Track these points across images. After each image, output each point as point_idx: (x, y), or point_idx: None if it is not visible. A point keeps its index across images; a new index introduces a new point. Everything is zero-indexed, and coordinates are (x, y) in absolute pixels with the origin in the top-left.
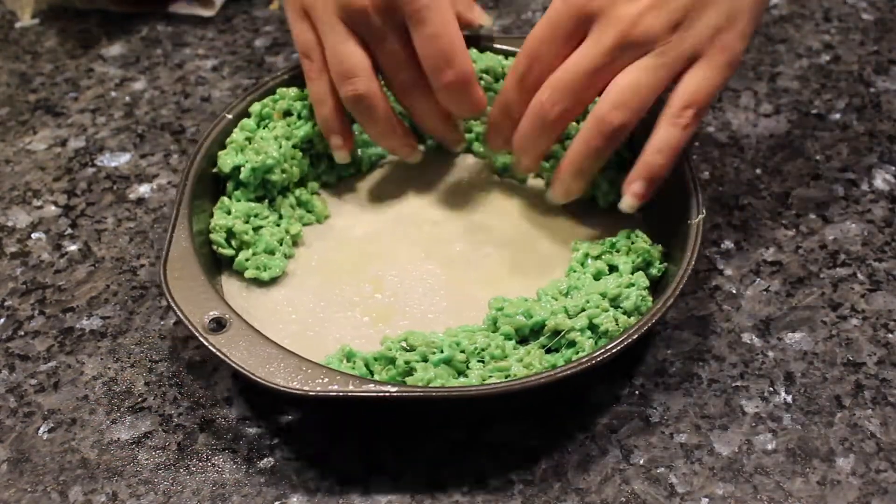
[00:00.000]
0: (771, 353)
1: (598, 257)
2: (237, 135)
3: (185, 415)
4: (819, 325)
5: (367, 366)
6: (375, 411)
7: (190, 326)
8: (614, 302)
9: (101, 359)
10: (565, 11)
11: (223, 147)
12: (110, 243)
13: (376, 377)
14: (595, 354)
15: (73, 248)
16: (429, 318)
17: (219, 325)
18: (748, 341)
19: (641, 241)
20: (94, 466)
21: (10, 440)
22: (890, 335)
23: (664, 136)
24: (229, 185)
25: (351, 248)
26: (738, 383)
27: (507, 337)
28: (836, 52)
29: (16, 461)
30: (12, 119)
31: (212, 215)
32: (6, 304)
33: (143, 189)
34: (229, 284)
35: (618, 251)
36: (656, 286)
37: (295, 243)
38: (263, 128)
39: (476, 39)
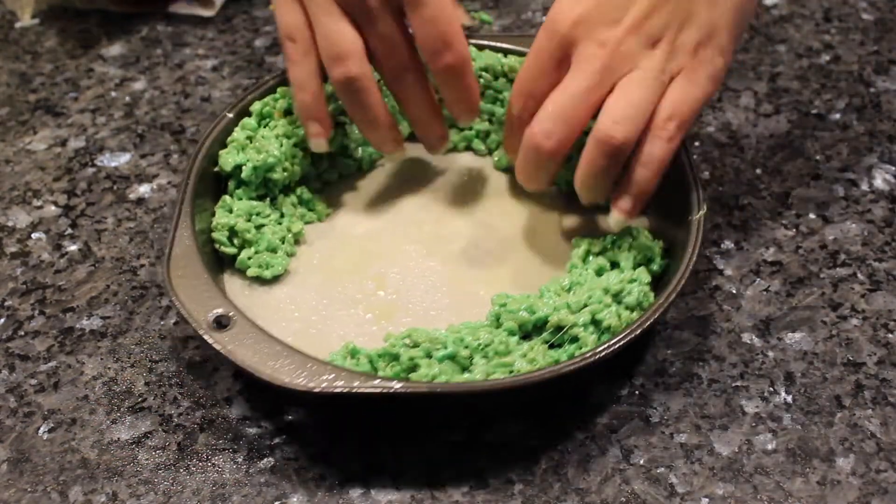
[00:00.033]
0: (771, 353)
1: (599, 254)
2: (238, 134)
3: (185, 415)
4: (819, 325)
5: (370, 363)
6: (378, 409)
7: (194, 325)
8: (616, 297)
9: (101, 359)
10: (547, 44)
11: (224, 146)
12: (110, 243)
13: (380, 374)
14: (598, 349)
15: (73, 248)
16: (431, 315)
17: (222, 323)
18: (748, 341)
19: (643, 237)
20: (94, 466)
21: (10, 440)
22: (890, 335)
23: (648, 150)
24: (231, 184)
25: (352, 246)
26: (738, 383)
27: (511, 333)
28: (836, 52)
29: (16, 461)
30: (12, 119)
31: (213, 214)
32: (6, 304)
33: (143, 189)
34: (231, 283)
35: (619, 247)
36: (657, 283)
37: (297, 242)
38: (264, 127)
39: (471, 37)
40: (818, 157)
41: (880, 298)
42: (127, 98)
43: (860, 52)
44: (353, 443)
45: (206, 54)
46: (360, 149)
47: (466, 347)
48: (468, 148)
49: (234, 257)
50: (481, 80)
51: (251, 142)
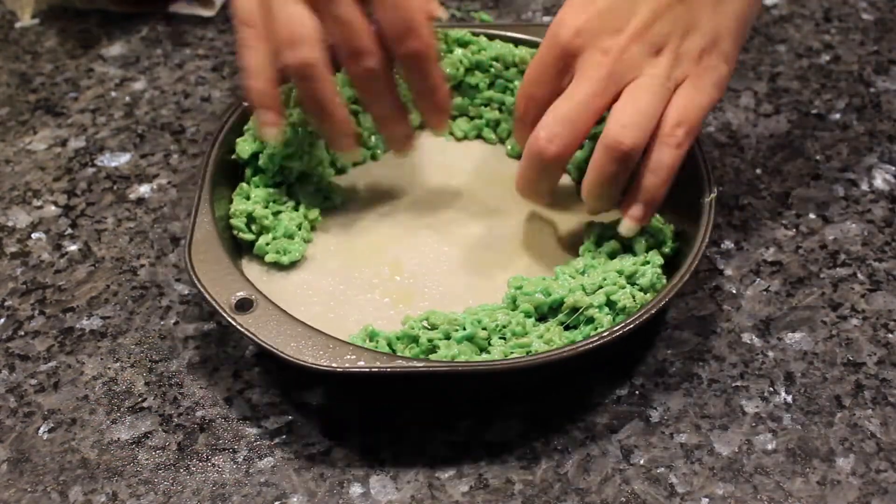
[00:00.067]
0: (771, 353)
1: (612, 237)
2: (254, 122)
3: (185, 415)
4: (819, 325)
5: (389, 345)
6: (395, 392)
7: (217, 307)
8: (630, 279)
9: (101, 359)
10: (550, 51)
11: (241, 134)
12: (110, 243)
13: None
14: (615, 329)
15: (73, 248)
16: (448, 299)
17: (245, 306)
18: (748, 341)
19: (655, 220)
20: (94, 466)
21: (10, 440)
22: (890, 335)
23: (658, 157)
24: (248, 172)
25: (368, 232)
26: (738, 383)
27: (527, 314)
28: (836, 52)
29: (16, 461)
30: (12, 119)
31: (231, 201)
32: (6, 304)
33: (143, 189)
34: (249, 269)
35: None
36: (668, 267)
37: (313, 228)
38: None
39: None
40: (818, 157)
41: (880, 298)
42: (127, 98)
43: (860, 52)
44: (353, 443)
45: (206, 54)
46: (373, 136)
47: (484, 329)
48: (479, 136)
49: (251, 243)
50: (492, 70)
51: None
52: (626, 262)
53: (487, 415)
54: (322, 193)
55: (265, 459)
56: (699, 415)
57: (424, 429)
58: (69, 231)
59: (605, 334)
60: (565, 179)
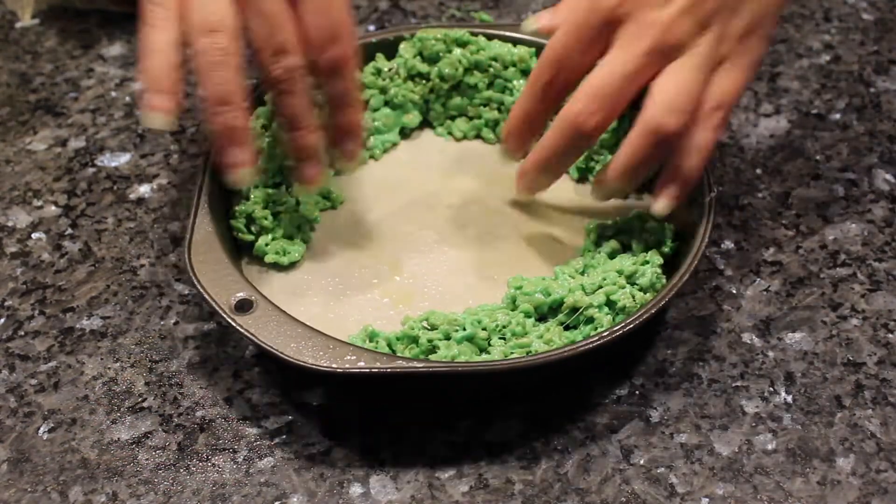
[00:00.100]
0: (771, 353)
1: (611, 237)
2: (253, 122)
3: (185, 415)
4: (819, 325)
5: (389, 346)
6: (394, 393)
7: (217, 308)
8: (630, 279)
9: (101, 359)
10: (591, 16)
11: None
12: (110, 243)
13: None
14: (615, 328)
15: (73, 248)
16: (448, 299)
17: (244, 306)
18: (748, 341)
19: (654, 220)
20: (94, 466)
21: (10, 440)
22: (890, 335)
23: (697, 139)
24: None
25: (368, 232)
26: (739, 383)
27: (527, 315)
28: (836, 52)
29: (16, 461)
30: (12, 119)
31: (230, 201)
32: (6, 304)
33: (144, 189)
34: (249, 269)
35: (631, 231)
36: (667, 267)
37: (312, 228)
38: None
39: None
40: (818, 157)
41: (880, 298)
42: (127, 98)
43: (860, 52)
44: (353, 443)
45: None
46: (371, 137)
47: (484, 329)
48: (478, 136)
49: (251, 244)
50: (491, 70)
51: (266, 130)
52: (626, 262)
53: (487, 415)
54: (321, 194)
55: (265, 459)
56: (699, 415)
57: (424, 429)
58: (69, 231)
59: (604, 334)
60: (565, 180)
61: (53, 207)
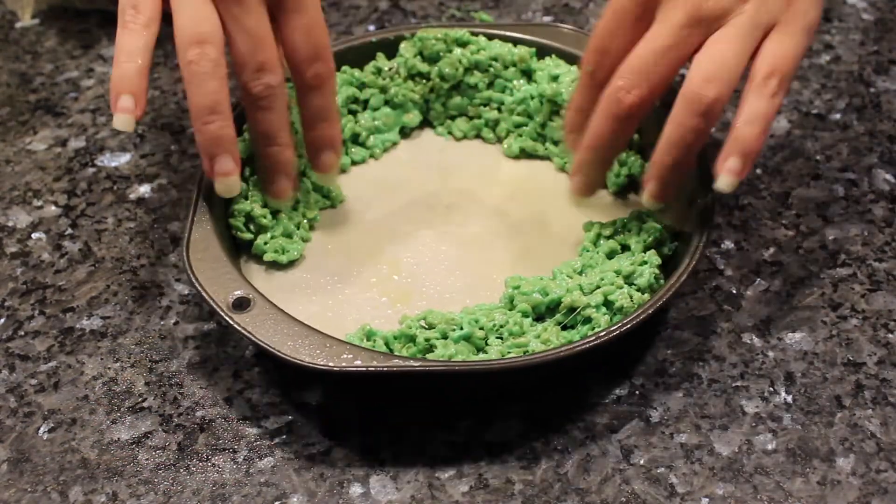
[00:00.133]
0: (771, 353)
1: (610, 237)
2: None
3: (185, 415)
4: (819, 325)
5: (387, 344)
6: (391, 392)
7: (215, 306)
8: (628, 279)
9: (101, 359)
10: None
11: (239, 134)
12: (110, 243)
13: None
14: (612, 329)
15: (73, 248)
16: (446, 298)
17: (242, 305)
18: (748, 341)
19: (652, 220)
20: (94, 466)
21: (10, 440)
22: (890, 335)
23: (754, 107)
24: (247, 170)
25: (367, 231)
26: (739, 383)
27: (524, 314)
28: (836, 52)
29: (16, 461)
30: (12, 119)
31: (229, 202)
32: (6, 304)
33: (144, 189)
34: (248, 268)
35: (629, 231)
36: (666, 267)
37: (312, 227)
38: None
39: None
40: (818, 157)
41: (880, 298)
42: None
43: (860, 52)
44: (353, 443)
45: None
46: (371, 137)
47: (482, 328)
48: (478, 136)
49: (250, 243)
50: (491, 70)
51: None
52: (624, 263)
53: (487, 415)
54: (321, 192)
55: (265, 459)
56: (699, 415)
57: (424, 429)
58: (69, 231)
59: (602, 334)
60: (566, 180)
61: (53, 207)
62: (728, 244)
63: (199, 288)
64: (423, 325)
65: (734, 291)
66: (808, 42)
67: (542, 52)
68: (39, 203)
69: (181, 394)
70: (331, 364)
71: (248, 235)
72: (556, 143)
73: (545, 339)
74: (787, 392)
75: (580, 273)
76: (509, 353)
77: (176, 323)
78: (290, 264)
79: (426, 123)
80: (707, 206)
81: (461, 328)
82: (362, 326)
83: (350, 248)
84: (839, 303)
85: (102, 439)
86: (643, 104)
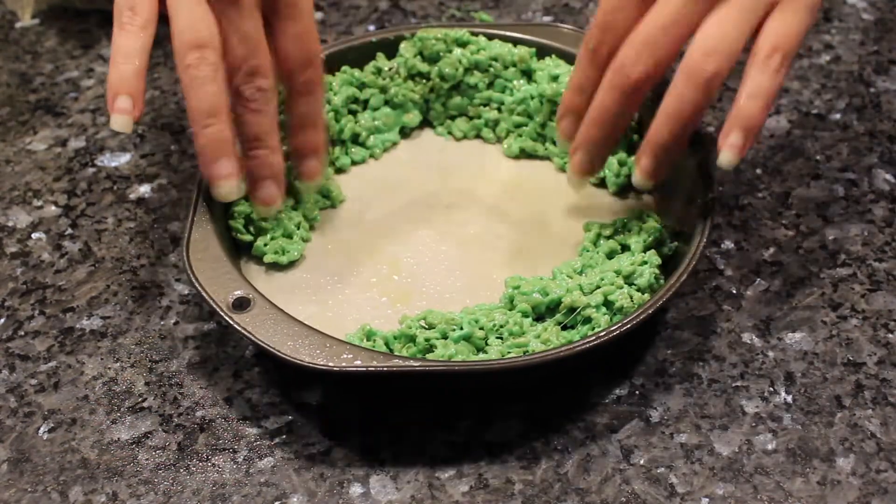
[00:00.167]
0: (771, 353)
1: (610, 237)
2: None
3: (185, 415)
4: (819, 325)
5: (387, 344)
6: (391, 392)
7: (214, 306)
8: (628, 279)
9: (102, 359)
10: None
11: None
12: (110, 243)
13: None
14: (612, 329)
15: (73, 248)
16: (446, 298)
17: (242, 305)
18: (748, 341)
19: (653, 220)
20: (94, 466)
21: (11, 440)
22: (890, 335)
23: (756, 82)
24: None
25: (367, 231)
26: (739, 383)
27: (524, 314)
28: (836, 52)
29: (16, 461)
30: (12, 119)
31: (229, 202)
32: (6, 304)
33: (144, 189)
34: (248, 268)
35: (629, 231)
36: (666, 267)
37: (312, 227)
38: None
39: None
40: (818, 157)
41: (880, 298)
42: None
43: (860, 52)
44: (353, 443)
45: None
46: (371, 137)
47: (482, 328)
48: (477, 136)
49: (250, 244)
50: (491, 70)
51: None
52: (624, 263)
53: (487, 415)
54: (321, 193)
55: (265, 459)
56: (699, 415)
57: (424, 429)
58: (69, 231)
59: (601, 334)
60: (564, 180)
61: (53, 207)
62: (728, 244)
63: (199, 288)
64: (423, 325)
65: (734, 291)
66: (812, 20)
67: (542, 52)
68: (39, 203)
69: (181, 394)
70: (331, 364)
71: (248, 237)
72: (556, 143)
73: (545, 339)
74: (787, 392)
75: (580, 273)
76: (509, 353)
77: (176, 323)
78: (290, 264)
79: (426, 123)
80: (707, 206)
81: (461, 328)
82: (362, 326)
83: (350, 248)
84: (839, 303)
85: (102, 439)
86: (649, 78)
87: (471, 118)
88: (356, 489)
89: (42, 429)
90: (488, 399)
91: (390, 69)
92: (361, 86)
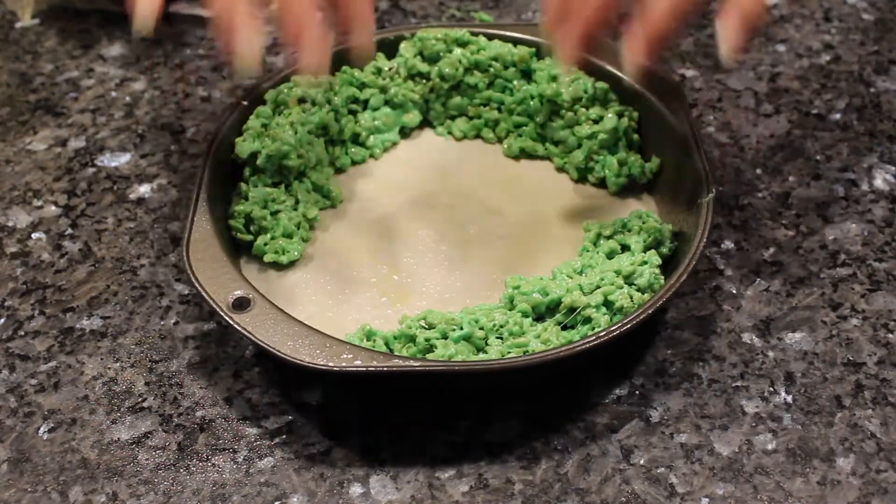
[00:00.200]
0: (771, 353)
1: (610, 237)
2: (253, 121)
3: (185, 415)
4: (819, 325)
5: (387, 344)
6: (391, 392)
7: (214, 306)
8: (628, 279)
9: (101, 359)
10: None
11: (240, 134)
12: (110, 243)
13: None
14: (612, 329)
15: (73, 248)
16: (446, 298)
17: (242, 305)
18: (748, 341)
19: (652, 220)
20: (94, 466)
21: (11, 440)
22: (890, 335)
23: None
24: (246, 171)
25: (366, 231)
26: (739, 383)
27: (524, 314)
28: (836, 52)
29: (16, 461)
30: (12, 119)
31: (229, 202)
32: (6, 304)
33: (144, 189)
34: (248, 268)
35: (629, 231)
36: (666, 267)
37: (312, 227)
38: (279, 114)
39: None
40: (818, 157)
41: (880, 298)
42: (127, 98)
43: (860, 52)
44: (353, 443)
45: (206, 54)
46: (371, 137)
47: (482, 328)
48: (478, 136)
49: (250, 244)
50: (491, 70)
51: (266, 129)
52: (624, 263)
53: (487, 415)
54: (321, 192)
55: (265, 459)
56: (699, 415)
57: (424, 429)
58: (69, 231)
59: (601, 334)
60: (565, 180)
61: (53, 207)
62: (728, 244)
63: (199, 288)
64: (423, 325)
65: (734, 291)
66: None
67: (541, 52)
68: (39, 203)
69: (181, 394)
70: (331, 364)
71: (248, 237)
72: (556, 143)
73: (545, 339)
74: (787, 392)
75: (580, 273)
76: (509, 353)
77: (176, 323)
78: (290, 264)
79: (426, 123)
80: (707, 206)
81: (461, 328)
82: (362, 326)
83: (350, 248)
84: (839, 303)
85: (102, 439)
86: None
87: (471, 118)
88: (356, 489)
89: (42, 429)
90: (488, 399)
91: (390, 69)
92: (361, 86)
